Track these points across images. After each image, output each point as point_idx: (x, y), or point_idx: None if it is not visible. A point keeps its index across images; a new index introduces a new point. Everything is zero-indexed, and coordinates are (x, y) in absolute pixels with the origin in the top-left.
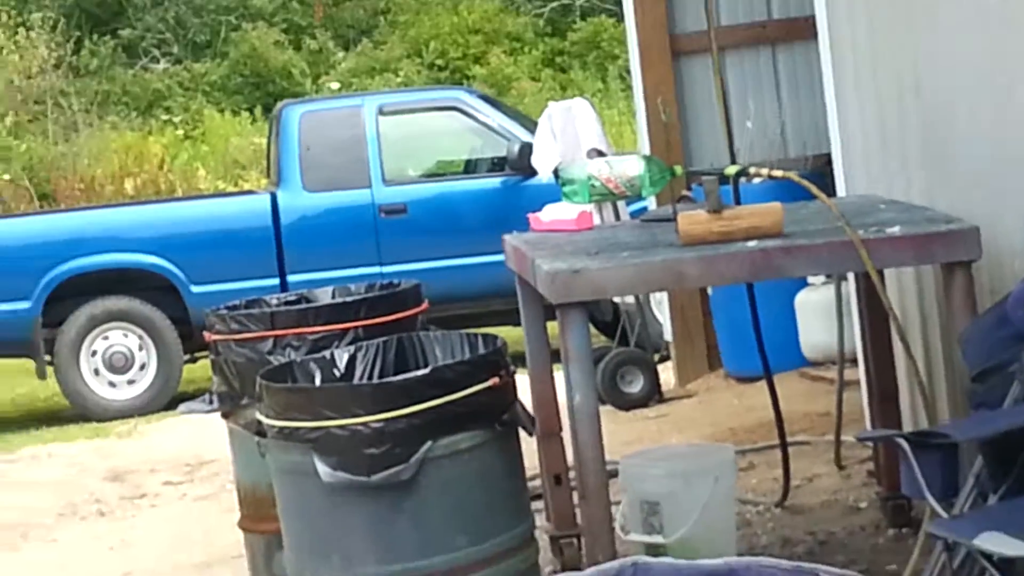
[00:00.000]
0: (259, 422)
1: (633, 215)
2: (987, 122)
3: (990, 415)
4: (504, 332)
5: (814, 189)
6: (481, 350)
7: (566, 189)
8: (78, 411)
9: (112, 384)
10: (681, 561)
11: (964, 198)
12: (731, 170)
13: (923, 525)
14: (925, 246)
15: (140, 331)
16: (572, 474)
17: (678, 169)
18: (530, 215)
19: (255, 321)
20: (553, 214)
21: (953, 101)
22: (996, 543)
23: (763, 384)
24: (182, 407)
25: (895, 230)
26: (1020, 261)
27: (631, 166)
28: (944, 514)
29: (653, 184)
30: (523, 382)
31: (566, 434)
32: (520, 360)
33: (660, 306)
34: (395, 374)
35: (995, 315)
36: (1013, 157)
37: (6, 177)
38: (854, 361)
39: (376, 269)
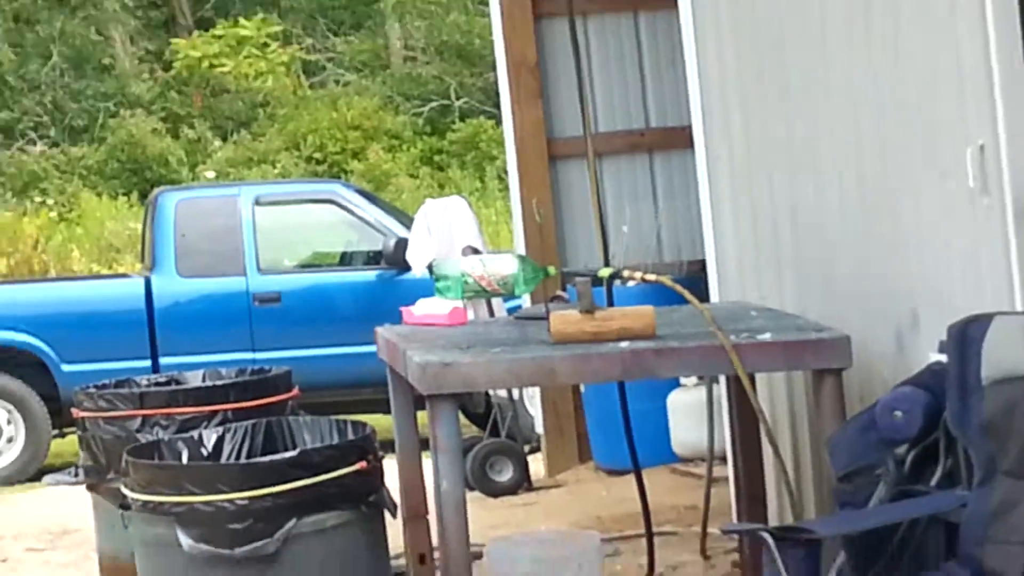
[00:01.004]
0: (124, 496)
1: (509, 312)
2: (858, 238)
3: (855, 514)
4: (375, 420)
5: (686, 293)
6: (350, 436)
7: (439, 285)
8: None
9: None
10: None
11: (836, 308)
12: (604, 272)
13: None
14: (795, 353)
15: (9, 406)
16: (437, 555)
17: (551, 269)
18: (403, 308)
19: (124, 400)
20: (426, 308)
21: (824, 220)
22: None
23: (632, 477)
24: (48, 478)
25: (766, 336)
26: (890, 370)
27: (505, 265)
28: None
29: (526, 283)
30: (392, 468)
31: (433, 519)
32: (390, 447)
33: (532, 400)
34: (263, 456)
35: (863, 420)
36: (881, 272)
37: None
38: (723, 459)
39: (249, 355)
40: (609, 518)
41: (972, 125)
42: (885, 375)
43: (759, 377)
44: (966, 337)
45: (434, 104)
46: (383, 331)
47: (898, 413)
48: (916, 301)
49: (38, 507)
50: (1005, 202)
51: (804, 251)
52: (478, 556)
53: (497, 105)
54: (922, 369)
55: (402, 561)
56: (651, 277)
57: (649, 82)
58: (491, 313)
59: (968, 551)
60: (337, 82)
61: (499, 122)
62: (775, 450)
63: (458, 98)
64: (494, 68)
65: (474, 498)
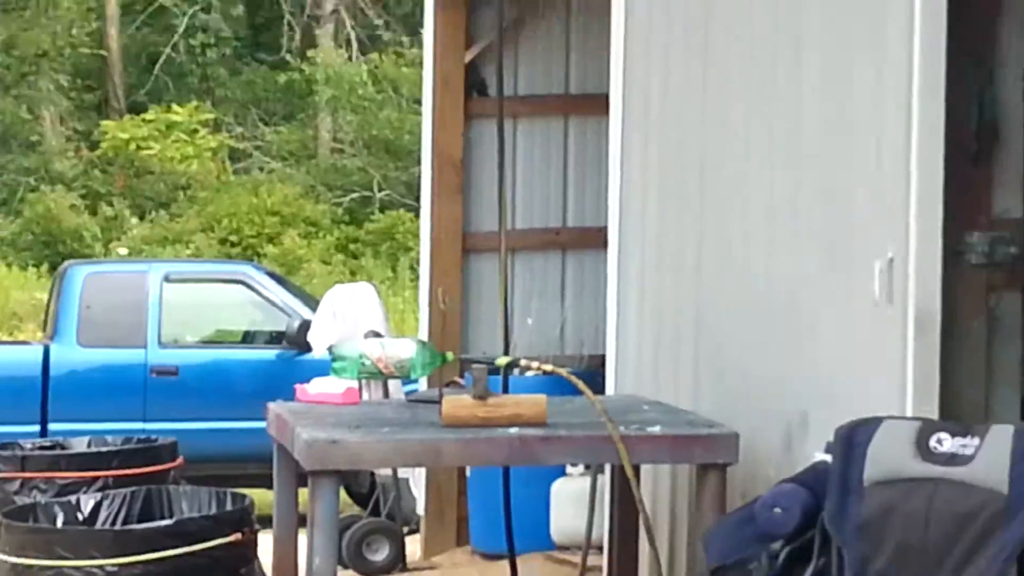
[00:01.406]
0: None
1: (405, 396)
2: (758, 339)
3: None
4: (259, 495)
5: (580, 383)
6: (228, 506)
7: (336, 365)
8: None
9: None
10: None
11: (729, 405)
12: (502, 361)
13: None
14: (684, 446)
15: None
16: None
17: (449, 355)
18: (297, 386)
19: (5, 462)
20: (320, 387)
21: (727, 317)
22: None
23: (507, 563)
24: None
25: (655, 429)
26: (775, 469)
27: (404, 348)
28: None
29: (423, 367)
30: (266, 543)
31: None
32: (268, 522)
33: (417, 481)
34: (139, 523)
35: (742, 514)
36: (778, 372)
37: None
38: (600, 548)
39: (140, 425)
40: None
41: (885, 237)
42: (770, 473)
43: (645, 470)
44: (853, 438)
45: (356, 195)
46: (275, 407)
47: (777, 510)
48: (808, 402)
49: None
50: (907, 313)
51: (703, 349)
52: None
53: (418, 199)
54: (806, 467)
55: None
56: (548, 367)
57: (571, 183)
58: (386, 395)
59: None
60: (262, 169)
61: (418, 215)
62: (650, 539)
63: (381, 190)
64: (419, 163)
65: None
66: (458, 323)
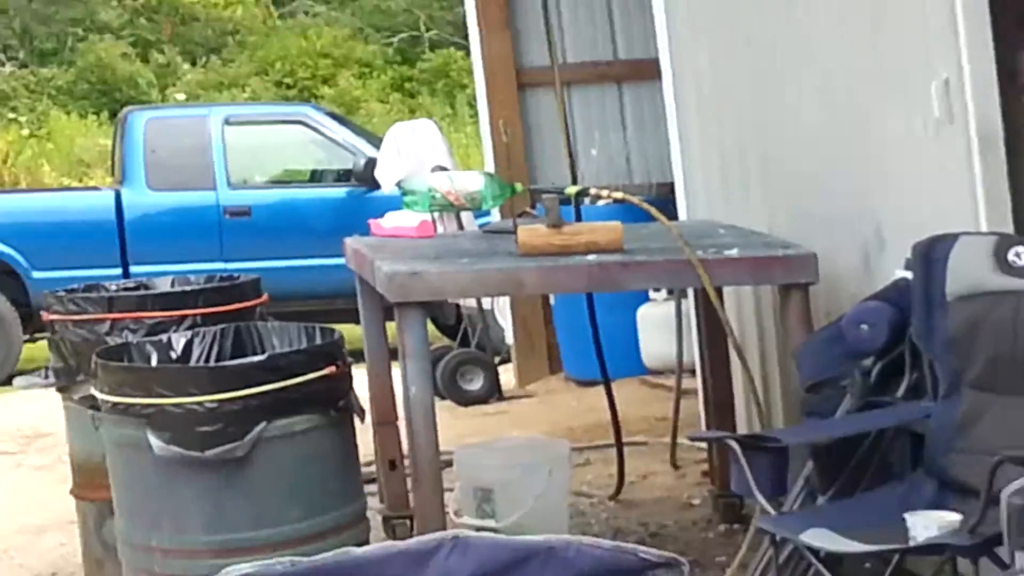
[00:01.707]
0: (93, 397)
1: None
2: (825, 164)
3: (822, 423)
4: (345, 330)
5: (652, 210)
6: (318, 341)
7: (407, 199)
8: None
9: None
10: (501, 537)
11: (804, 228)
12: (572, 189)
13: (753, 521)
14: (763, 267)
15: None
16: (408, 463)
17: (518, 186)
18: (371, 221)
19: (92, 304)
20: (394, 221)
21: (793, 144)
22: (822, 539)
23: (603, 388)
24: (18, 380)
25: (733, 252)
26: (856, 285)
27: (472, 181)
28: (773, 512)
29: (493, 199)
30: (360, 377)
31: (403, 425)
32: (360, 356)
33: (503, 312)
34: (232, 360)
35: (830, 333)
36: (849, 195)
37: None
38: (693, 372)
39: (219, 265)
40: (580, 428)
41: (936, 60)
42: (852, 291)
43: (727, 292)
44: (931, 254)
45: (404, 35)
46: (351, 242)
47: (864, 327)
48: (882, 223)
49: (10, 411)
50: (969, 132)
51: (771, 176)
52: (448, 464)
53: (466, 37)
54: (888, 285)
55: (372, 468)
56: (618, 195)
57: (616, 15)
58: (460, 227)
59: (934, 461)
60: (307, 13)
61: (469, 53)
62: (742, 361)
63: (428, 30)
64: (462, 2)
65: (445, 407)
66: (522, 156)
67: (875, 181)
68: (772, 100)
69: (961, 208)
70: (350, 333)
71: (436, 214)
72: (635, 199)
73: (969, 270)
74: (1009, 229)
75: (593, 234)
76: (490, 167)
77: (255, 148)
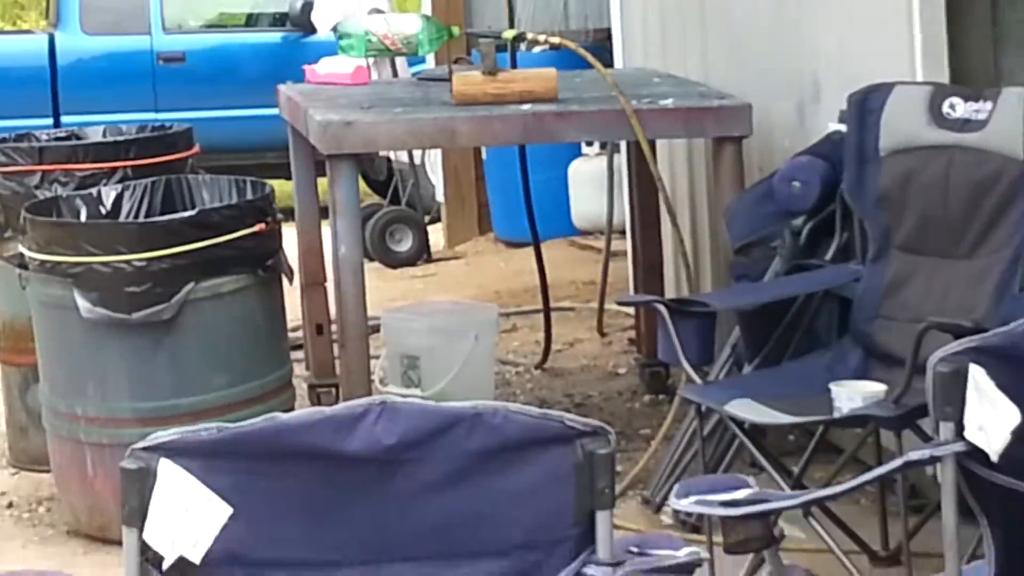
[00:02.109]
0: (22, 255)
1: (413, 75)
2: (763, 9)
3: (750, 287)
4: (276, 185)
5: (589, 57)
6: (249, 195)
7: (343, 43)
8: None
9: None
10: (429, 403)
11: (740, 77)
12: (508, 34)
13: (678, 391)
14: (696, 119)
15: None
16: (335, 327)
17: (455, 30)
18: (306, 67)
19: (22, 154)
20: (329, 67)
21: None
22: (745, 410)
23: (531, 250)
24: None
25: (668, 102)
26: (790, 140)
27: (409, 24)
28: (699, 380)
29: (430, 43)
30: (291, 236)
31: (331, 287)
32: (290, 214)
33: (434, 168)
34: (161, 215)
35: (761, 190)
36: (786, 42)
37: None
38: (623, 232)
39: (152, 115)
40: (507, 292)
41: None
42: (786, 145)
43: (660, 147)
44: (865, 106)
45: None
46: (285, 89)
47: (796, 184)
48: (819, 71)
49: None
50: None
51: (710, 20)
52: (376, 330)
53: None
54: (821, 139)
55: (299, 333)
56: (555, 40)
57: None
58: (395, 74)
59: (860, 327)
60: None
61: None
62: (672, 218)
63: None
64: None
65: (372, 269)
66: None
67: (813, 27)
68: None
69: (899, 55)
70: (280, 189)
71: (371, 60)
72: (572, 44)
73: (903, 123)
74: (945, 79)
75: (528, 82)
76: (427, 9)
77: None
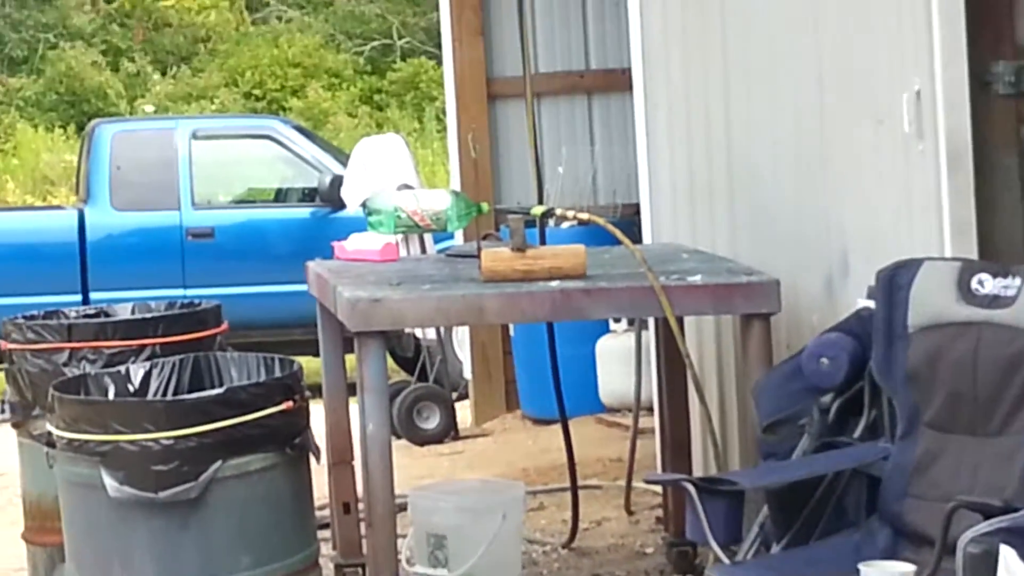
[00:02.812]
0: (49, 433)
1: (441, 251)
2: (792, 185)
3: (778, 466)
4: (304, 362)
5: (618, 233)
6: (277, 373)
7: (372, 219)
8: None
9: None
10: None
11: (768, 252)
12: (537, 210)
13: (706, 572)
14: (725, 296)
15: None
16: (362, 506)
17: (484, 206)
18: (335, 243)
19: (52, 332)
20: (358, 244)
21: (761, 163)
22: None
23: (559, 427)
24: None
25: (696, 279)
26: (818, 316)
27: (438, 200)
28: (727, 560)
29: (459, 219)
30: (318, 413)
31: (359, 465)
32: (317, 391)
33: (462, 344)
34: (190, 393)
35: (789, 367)
36: (814, 216)
37: None
38: (651, 409)
39: (180, 291)
40: (535, 470)
41: (909, 69)
42: (814, 321)
43: (688, 323)
44: (894, 282)
45: (376, 43)
46: (314, 266)
47: (824, 360)
48: (848, 246)
49: None
50: (939, 147)
51: (738, 195)
52: (403, 508)
53: (439, 46)
54: (849, 315)
55: (326, 512)
56: (584, 216)
57: (591, 23)
58: (423, 250)
59: (888, 507)
60: (279, 19)
61: (440, 63)
62: (700, 395)
63: (400, 38)
64: (437, 8)
65: (400, 446)
66: (489, 173)
67: (841, 201)
68: (742, 115)
69: (928, 230)
70: (308, 366)
71: (400, 236)
72: (601, 220)
73: (932, 299)
74: (973, 254)
75: (556, 259)
76: (456, 182)
77: (221, 164)
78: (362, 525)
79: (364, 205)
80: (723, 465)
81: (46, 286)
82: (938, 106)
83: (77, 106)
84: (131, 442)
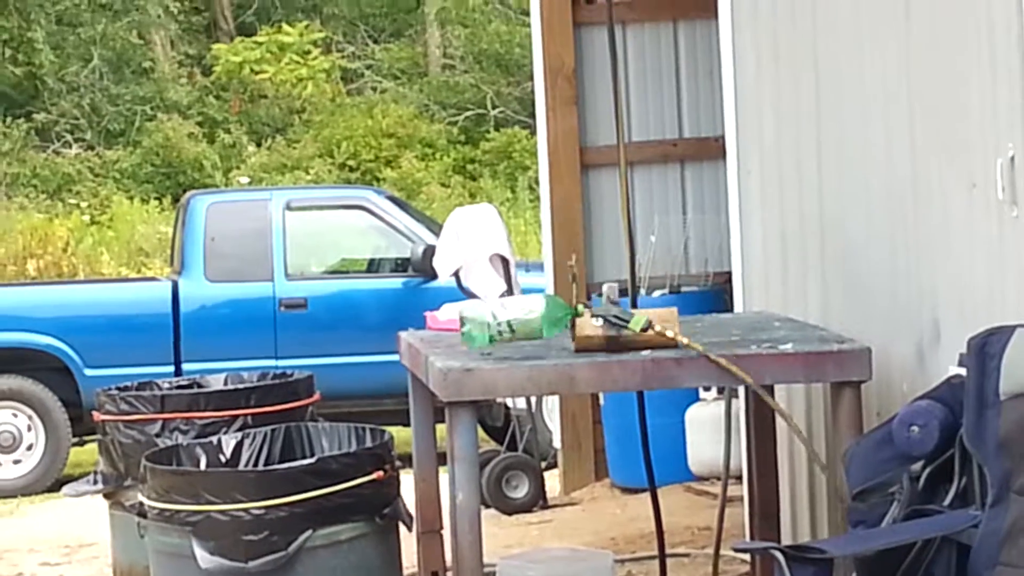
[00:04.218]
0: (141, 503)
1: None
2: (884, 251)
3: (867, 533)
4: (395, 432)
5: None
6: (368, 443)
7: (464, 331)
8: None
9: None
10: None
11: (859, 320)
12: (636, 324)
13: None
14: (816, 364)
15: (30, 411)
16: (451, 574)
17: (581, 308)
18: (427, 313)
19: (145, 403)
20: (450, 313)
21: (853, 230)
22: None
23: (647, 495)
24: (67, 488)
25: (788, 347)
26: (909, 384)
27: (532, 306)
28: None
29: (554, 325)
30: (408, 482)
31: (447, 534)
32: (408, 460)
33: (551, 413)
34: (281, 462)
35: (880, 435)
36: (905, 284)
37: None
38: (739, 478)
39: (272, 362)
40: (623, 538)
41: (1003, 135)
42: (904, 389)
43: (778, 390)
44: (985, 350)
45: (470, 113)
46: (406, 336)
47: (915, 428)
48: (939, 313)
49: (55, 520)
50: None
51: (829, 262)
52: None
53: (532, 115)
54: (940, 383)
55: None
56: (685, 340)
57: (684, 92)
58: None
59: (979, 574)
60: (374, 89)
61: (533, 132)
62: (808, 450)
63: (494, 107)
64: (531, 78)
65: (489, 516)
66: (582, 242)
67: (933, 268)
68: (834, 182)
69: (1021, 298)
70: (398, 436)
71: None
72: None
73: None
74: None
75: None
76: (548, 252)
77: (314, 234)
78: None
79: (456, 277)
80: (812, 533)
81: (140, 357)
82: None
83: (173, 178)
84: (222, 512)
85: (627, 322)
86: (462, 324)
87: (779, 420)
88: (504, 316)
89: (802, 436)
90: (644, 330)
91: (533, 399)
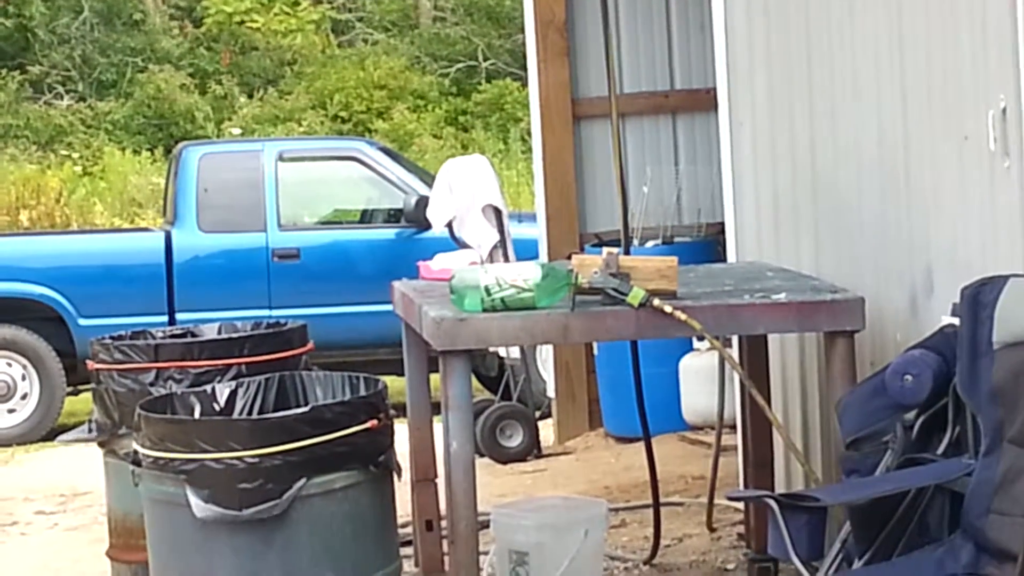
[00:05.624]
0: (135, 452)
1: None
2: (876, 201)
3: (861, 482)
4: (389, 382)
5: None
6: (362, 392)
7: (454, 297)
8: None
9: None
10: None
11: (852, 269)
12: (635, 299)
13: None
14: (809, 314)
15: (24, 360)
16: (444, 523)
17: (579, 277)
18: (420, 263)
19: (139, 352)
20: (443, 263)
21: (845, 181)
22: None
23: (641, 445)
24: (61, 437)
25: (781, 296)
26: (902, 333)
27: (527, 274)
28: None
29: (552, 294)
30: (402, 432)
31: (442, 483)
32: (401, 410)
33: (545, 363)
34: (275, 411)
35: (873, 384)
36: (898, 234)
37: None
38: (733, 427)
39: (266, 312)
40: (617, 487)
41: (994, 86)
42: (897, 339)
43: (771, 340)
44: (979, 300)
45: (461, 65)
46: (399, 285)
47: (908, 377)
48: (932, 263)
49: (50, 468)
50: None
51: (822, 213)
52: (485, 526)
53: (524, 68)
54: (934, 332)
55: (409, 529)
56: (681, 316)
57: (676, 43)
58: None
59: (971, 522)
60: (365, 41)
61: (525, 84)
62: (775, 421)
63: (485, 59)
64: (523, 30)
65: (483, 465)
66: (574, 194)
67: (926, 218)
68: (826, 134)
69: (1012, 247)
70: (392, 385)
71: (485, 253)
72: (720, 347)
73: (1017, 316)
74: None
75: (647, 270)
76: (541, 203)
77: (307, 185)
78: (444, 542)
79: (449, 227)
80: (806, 482)
81: (133, 307)
82: None
83: (165, 129)
84: (216, 460)
85: (625, 295)
86: (453, 291)
87: (774, 369)
88: (498, 294)
89: (759, 395)
90: (643, 305)
91: (527, 348)
